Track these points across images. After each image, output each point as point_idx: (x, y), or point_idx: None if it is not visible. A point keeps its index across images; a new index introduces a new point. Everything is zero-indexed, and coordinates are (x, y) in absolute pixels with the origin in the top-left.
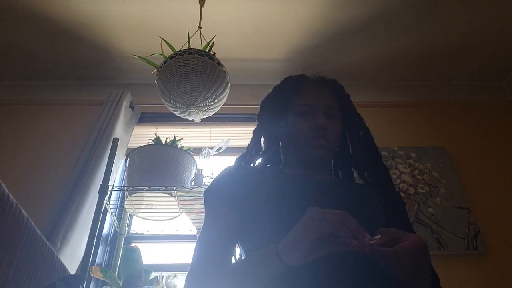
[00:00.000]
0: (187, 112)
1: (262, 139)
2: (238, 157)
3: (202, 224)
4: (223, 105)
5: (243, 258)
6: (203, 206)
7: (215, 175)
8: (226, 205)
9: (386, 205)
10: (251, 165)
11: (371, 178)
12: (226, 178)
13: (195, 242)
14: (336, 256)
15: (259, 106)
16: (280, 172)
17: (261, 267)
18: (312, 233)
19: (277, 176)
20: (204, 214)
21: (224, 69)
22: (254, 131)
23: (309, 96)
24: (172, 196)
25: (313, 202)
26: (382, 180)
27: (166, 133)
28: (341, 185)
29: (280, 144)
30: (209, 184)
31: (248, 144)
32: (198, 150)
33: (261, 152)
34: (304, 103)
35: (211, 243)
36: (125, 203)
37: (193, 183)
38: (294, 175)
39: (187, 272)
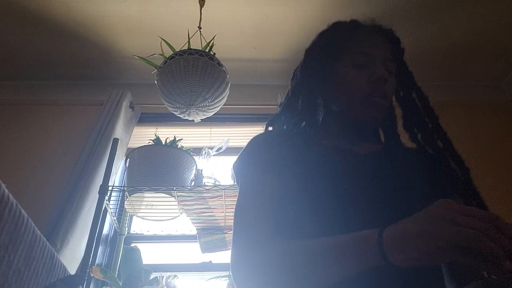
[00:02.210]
0: (187, 112)
1: (301, 96)
2: (269, 122)
3: (201, 224)
4: (223, 105)
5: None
6: (203, 206)
7: (215, 175)
8: (263, 172)
9: (443, 172)
10: (284, 128)
11: (426, 141)
12: (257, 146)
13: (233, 224)
14: None
15: (259, 106)
16: (315, 142)
17: (352, 253)
18: (437, 239)
19: (313, 149)
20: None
21: (224, 69)
22: (292, 87)
23: (367, 45)
24: (172, 196)
25: (352, 183)
26: (441, 143)
27: (166, 133)
28: (386, 159)
29: (323, 104)
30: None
31: (281, 104)
32: (198, 150)
33: (297, 113)
34: (362, 52)
35: (258, 219)
36: (125, 203)
37: (193, 183)
38: (331, 148)
39: (231, 265)
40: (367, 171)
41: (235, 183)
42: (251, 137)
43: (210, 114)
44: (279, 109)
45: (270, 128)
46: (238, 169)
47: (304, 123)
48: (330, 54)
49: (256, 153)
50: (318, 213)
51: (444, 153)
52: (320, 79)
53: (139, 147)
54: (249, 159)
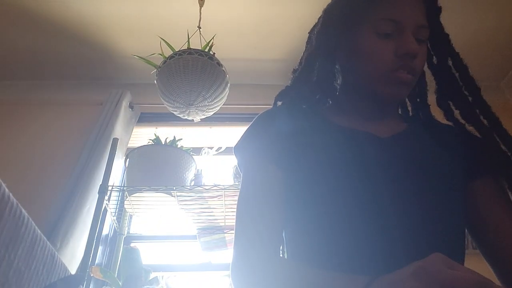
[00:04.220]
0: (187, 112)
1: (316, 64)
2: (278, 95)
3: (201, 224)
4: (223, 105)
5: (313, 273)
6: (203, 206)
7: (215, 174)
8: (266, 162)
9: (489, 154)
10: (298, 102)
11: (466, 118)
12: (262, 127)
13: (235, 216)
14: None
15: (258, 106)
16: (328, 123)
17: None
18: None
19: (326, 131)
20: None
21: (223, 69)
22: (308, 55)
23: (395, 9)
24: (172, 196)
25: (368, 176)
26: (485, 120)
27: (165, 133)
28: (410, 141)
29: (341, 74)
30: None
31: (294, 73)
32: (198, 150)
33: (311, 84)
34: (390, 18)
35: (256, 219)
36: (125, 203)
37: (192, 183)
38: (348, 132)
39: (232, 263)
40: (388, 160)
41: (236, 175)
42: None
43: (210, 113)
44: (292, 77)
45: (279, 103)
46: (241, 154)
47: (318, 96)
48: (352, 18)
49: (260, 136)
50: (324, 212)
51: (490, 132)
52: (339, 46)
53: (138, 147)
54: (254, 143)
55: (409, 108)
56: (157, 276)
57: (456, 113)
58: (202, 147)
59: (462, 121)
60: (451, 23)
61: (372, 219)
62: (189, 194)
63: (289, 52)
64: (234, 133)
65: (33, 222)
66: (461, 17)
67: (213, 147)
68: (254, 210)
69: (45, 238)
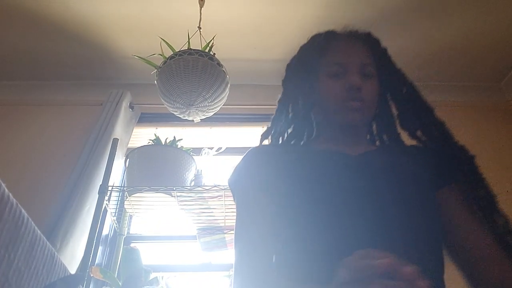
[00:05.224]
0: (187, 112)
1: (290, 108)
2: (263, 133)
3: (201, 224)
4: (223, 105)
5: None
6: (203, 206)
7: (215, 174)
8: (257, 192)
9: (447, 162)
10: (280, 140)
11: (425, 135)
12: (252, 161)
13: (233, 241)
14: None
15: (258, 106)
16: (307, 149)
17: None
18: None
19: (304, 156)
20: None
21: (224, 69)
22: (279, 100)
23: (340, 54)
24: (172, 196)
25: (341, 186)
26: (439, 135)
27: (166, 133)
28: (379, 158)
29: (312, 112)
30: (231, 174)
31: (273, 117)
32: (198, 150)
33: (288, 124)
34: (336, 62)
35: (252, 243)
36: (125, 203)
37: (192, 183)
38: (322, 153)
39: (233, 279)
40: (356, 173)
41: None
42: (250, 137)
43: (210, 114)
44: (271, 122)
45: (266, 142)
46: (234, 186)
47: (296, 132)
48: (309, 67)
49: (251, 169)
50: (300, 226)
51: (446, 143)
52: (302, 91)
53: (138, 147)
54: (244, 176)
55: (382, 135)
56: (157, 277)
57: (418, 132)
58: (202, 147)
59: (424, 138)
60: (452, 24)
61: (340, 227)
62: (189, 195)
63: (289, 52)
64: (234, 133)
65: (33, 222)
66: (461, 18)
67: (213, 147)
68: (249, 237)
69: (44, 238)
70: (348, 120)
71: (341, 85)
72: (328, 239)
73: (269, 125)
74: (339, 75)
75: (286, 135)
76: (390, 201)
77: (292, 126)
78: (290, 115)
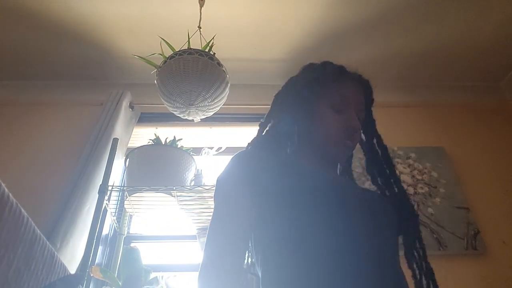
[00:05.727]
0: (187, 112)
1: (279, 120)
2: (250, 142)
3: (201, 224)
4: (223, 105)
5: None
6: (203, 206)
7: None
8: (242, 194)
9: (400, 217)
10: (264, 149)
11: (385, 186)
12: (241, 163)
13: (206, 237)
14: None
15: (258, 106)
16: (297, 163)
17: None
18: None
19: (297, 171)
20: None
21: (224, 69)
22: (271, 111)
23: (349, 91)
24: (172, 196)
25: (333, 199)
26: (398, 191)
27: (165, 133)
28: (357, 187)
29: (297, 132)
30: (219, 177)
31: (260, 123)
32: (198, 150)
33: (275, 135)
34: (343, 96)
35: (223, 244)
36: (125, 203)
37: (192, 183)
38: (314, 171)
39: (198, 275)
40: (344, 189)
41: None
42: (250, 137)
43: (210, 114)
44: (259, 129)
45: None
46: (219, 189)
47: (280, 144)
48: (314, 90)
49: (240, 170)
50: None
51: (402, 199)
52: (300, 111)
53: (138, 147)
54: (232, 179)
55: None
56: (157, 276)
57: (379, 180)
58: (202, 147)
59: (383, 188)
60: (452, 24)
61: (316, 241)
62: (189, 194)
63: (289, 52)
64: (234, 133)
65: (32, 222)
66: (461, 18)
67: (213, 147)
68: (222, 240)
69: (44, 238)
70: (340, 155)
71: (342, 122)
72: (320, 250)
73: (256, 135)
74: (340, 111)
75: (271, 144)
76: (383, 225)
77: (277, 138)
78: (280, 128)
